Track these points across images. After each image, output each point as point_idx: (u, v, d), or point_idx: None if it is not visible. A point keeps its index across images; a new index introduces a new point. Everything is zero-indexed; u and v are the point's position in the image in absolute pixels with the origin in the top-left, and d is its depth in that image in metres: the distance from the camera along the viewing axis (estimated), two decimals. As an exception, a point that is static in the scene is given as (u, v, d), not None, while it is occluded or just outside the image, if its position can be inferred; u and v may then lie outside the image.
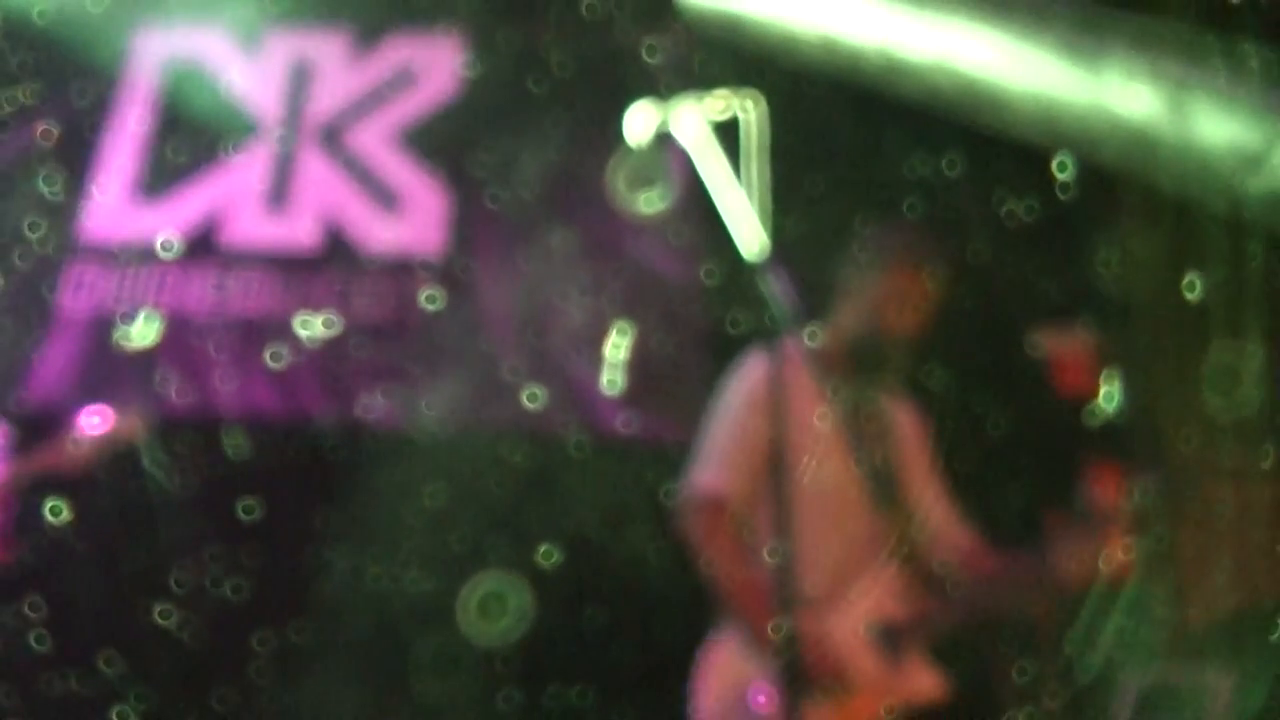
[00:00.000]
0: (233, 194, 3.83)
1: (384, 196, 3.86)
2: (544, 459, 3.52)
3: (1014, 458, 3.50)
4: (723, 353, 3.51)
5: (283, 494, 3.43)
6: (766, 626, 2.12)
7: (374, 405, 3.58)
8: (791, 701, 1.47)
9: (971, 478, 3.38)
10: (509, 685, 3.27)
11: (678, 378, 3.62)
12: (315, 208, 3.83)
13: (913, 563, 2.39)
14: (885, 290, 2.44)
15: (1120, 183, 3.67)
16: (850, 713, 2.14)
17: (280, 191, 3.84)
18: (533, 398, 3.61)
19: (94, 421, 2.93)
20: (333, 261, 3.76)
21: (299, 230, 3.79)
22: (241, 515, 3.38)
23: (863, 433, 2.38)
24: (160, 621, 3.28)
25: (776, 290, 1.74)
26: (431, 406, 3.57)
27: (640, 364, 3.65)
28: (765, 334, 1.72)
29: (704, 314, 3.71)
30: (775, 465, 1.66)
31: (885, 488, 2.36)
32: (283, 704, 3.23)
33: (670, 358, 3.68)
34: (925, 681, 2.23)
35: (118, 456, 3.16)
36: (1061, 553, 2.26)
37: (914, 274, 2.44)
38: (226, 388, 3.58)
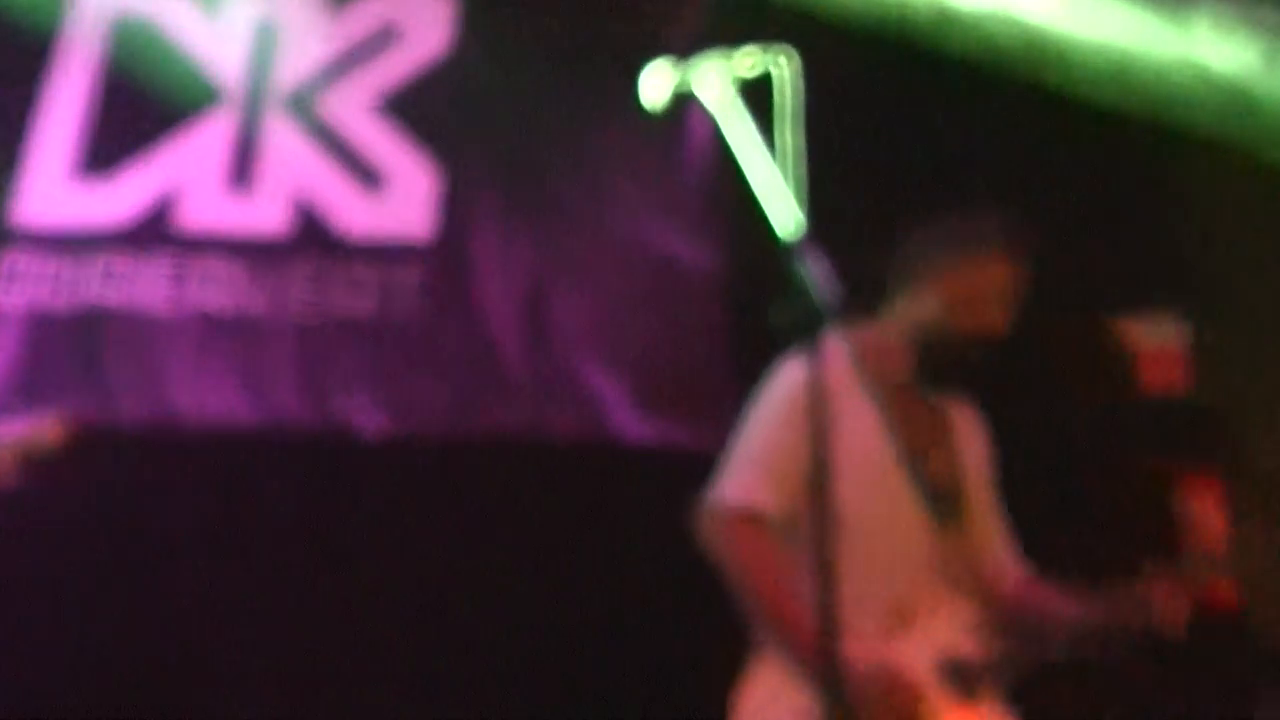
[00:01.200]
0: (190, 171, 3.81)
1: (364, 173, 3.84)
2: (550, 469, 3.50)
3: (1093, 470, 3.46)
4: (754, 352, 3.51)
5: (253, 511, 3.43)
6: (813, 652, 2.10)
7: (355, 408, 3.55)
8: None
9: (1043, 496, 3.36)
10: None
11: (703, 380, 3.60)
12: (285, 186, 3.81)
13: (977, 595, 2.36)
14: (960, 282, 2.40)
15: (1212, 149, 3.61)
16: None
17: (244, 168, 3.83)
18: (535, 401, 3.59)
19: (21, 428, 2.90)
20: (306, 248, 3.74)
21: (266, 212, 3.77)
22: (207, 534, 3.38)
23: (921, 445, 2.35)
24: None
25: (817, 278, 1.70)
26: (421, 412, 3.56)
27: (658, 364, 3.63)
28: (804, 330, 1.67)
29: (732, 306, 3.68)
30: (818, 479, 1.62)
31: (945, 508, 2.33)
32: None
33: (694, 357, 3.66)
34: None
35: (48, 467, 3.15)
36: (1153, 588, 2.23)
37: (995, 263, 2.40)
38: (185, 392, 3.57)
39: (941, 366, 2.42)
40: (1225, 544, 2.33)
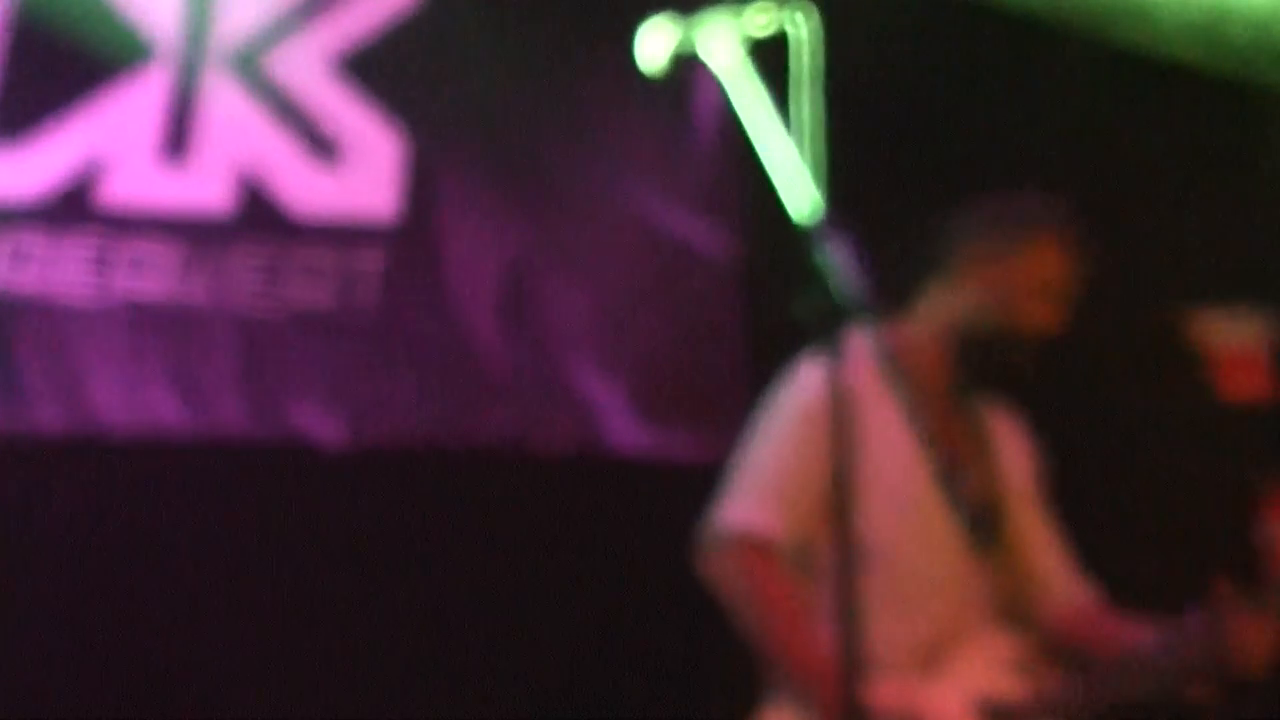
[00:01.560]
0: (116, 138, 3.85)
1: (319, 143, 3.89)
2: (536, 485, 3.57)
3: (1161, 487, 3.51)
4: (767, 350, 3.56)
5: (189, 537, 3.48)
6: (832, 697, 2.16)
7: (310, 417, 3.61)
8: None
9: (1103, 517, 3.42)
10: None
11: (712, 384, 3.66)
12: (227, 157, 3.85)
13: (1025, 626, 2.41)
14: (1013, 271, 2.44)
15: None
16: None
17: (180, 135, 3.88)
18: (517, 407, 3.64)
19: None
20: (251, 227, 3.79)
21: (206, 186, 3.82)
22: (134, 563, 3.43)
23: (958, 458, 2.40)
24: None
25: (840, 268, 1.76)
26: (386, 421, 3.62)
27: (661, 365, 3.67)
28: (824, 326, 1.74)
29: (742, 299, 3.74)
30: (839, 498, 1.68)
31: (985, 530, 2.38)
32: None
33: (702, 357, 3.71)
34: None
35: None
36: (1230, 619, 2.27)
37: (1045, 250, 2.45)
38: (109, 397, 3.62)
39: (983, 369, 2.46)
40: None
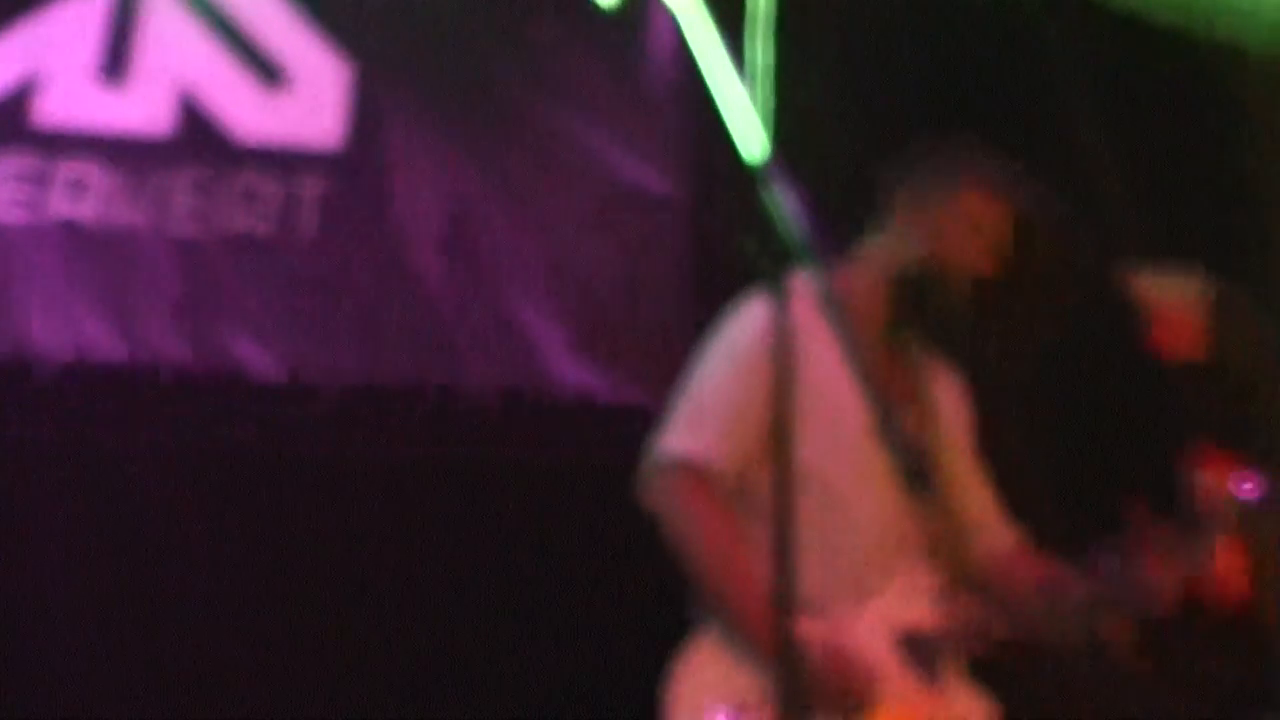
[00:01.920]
0: (52, 56, 3.80)
1: (262, 66, 3.86)
2: (476, 424, 3.60)
3: (1092, 438, 3.61)
4: (711, 293, 3.60)
5: (119, 470, 3.48)
6: (764, 628, 2.23)
7: (247, 348, 3.61)
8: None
9: (1035, 468, 3.51)
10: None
11: (659, 325, 3.69)
12: (167, 78, 3.81)
13: (950, 564, 2.49)
14: (945, 216, 2.51)
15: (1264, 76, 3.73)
16: None
17: (119, 54, 3.83)
18: (459, 344, 3.67)
19: None
20: (191, 152, 3.75)
21: (145, 108, 3.78)
22: (64, 495, 3.42)
23: (895, 402, 2.47)
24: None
25: (785, 207, 1.79)
26: (325, 354, 3.62)
27: (607, 305, 3.69)
28: (770, 267, 1.78)
29: (688, 241, 3.77)
30: (778, 434, 1.73)
31: (918, 472, 2.45)
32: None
33: (649, 298, 3.74)
34: (966, 707, 2.33)
35: None
36: (1149, 562, 2.36)
37: (988, 200, 2.51)
38: (41, 321, 3.58)
39: (917, 311, 2.52)
40: (1226, 517, 2.46)
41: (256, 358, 3.60)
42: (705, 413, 2.40)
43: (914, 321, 2.55)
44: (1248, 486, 2.46)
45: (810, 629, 2.19)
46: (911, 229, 2.52)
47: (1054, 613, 2.38)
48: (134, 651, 3.35)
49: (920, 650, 2.32)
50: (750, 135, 1.84)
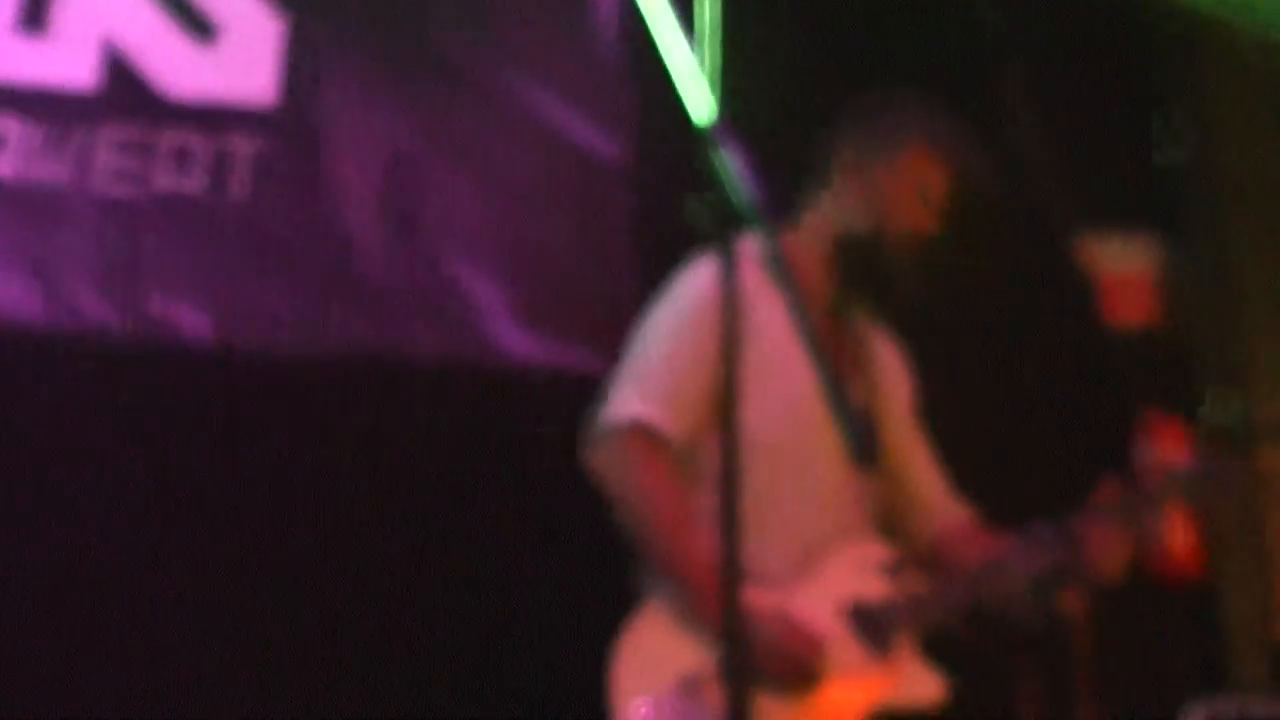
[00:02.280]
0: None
1: (192, 19, 3.78)
2: (414, 394, 3.56)
3: (1044, 409, 3.65)
4: (659, 254, 3.59)
5: (39, 440, 3.41)
6: (711, 596, 2.23)
7: (175, 311, 3.54)
8: (742, 694, 1.56)
9: (983, 437, 3.54)
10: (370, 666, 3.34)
11: (604, 291, 3.66)
12: (92, 30, 3.72)
13: (897, 536, 2.51)
14: (888, 179, 2.51)
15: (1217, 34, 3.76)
16: (819, 711, 2.25)
17: (39, 4, 3.73)
18: (397, 309, 3.62)
19: None
20: (116, 107, 3.67)
21: (67, 61, 3.68)
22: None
23: (842, 370, 2.47)
24: None
25: (733, 170, 1.78)
26: (258, 319, 3.57)
27: (551, 269, 3.68)
28: (716, 229, 1.76)
29: (634, 204, 3.75)
30: (724, 399, 1.72)
31: (864, 441, 2.46)
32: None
33: (588, 262, 3.71)
34: (916, 679, 2.35)
35: None
36: (1087, 528, 2.39)
37: (930, 160, 2.52)
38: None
39: (858, 274, 2.53)
40: (1184, 479, 2.50)
41: (187, 321, 3.53)
42: (652, 377, 2.39)
43: (857, 287, 2.55)
44: (1193, 456, 2.50)
45: (758, 599, 2.19)
46: (853, 191, 2.52)
47: (1002, 585, 2.40)
48: (54, 623, 3.28)
49: (869, 623, 2.33)
50: (697, 97, 1.82)
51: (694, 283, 2.49)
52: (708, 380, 2.38)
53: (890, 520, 2.53)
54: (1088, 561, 2.36)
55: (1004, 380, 3.69)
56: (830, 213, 2.55)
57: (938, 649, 2.39)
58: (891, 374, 2.65)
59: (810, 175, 2.62)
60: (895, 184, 2.51)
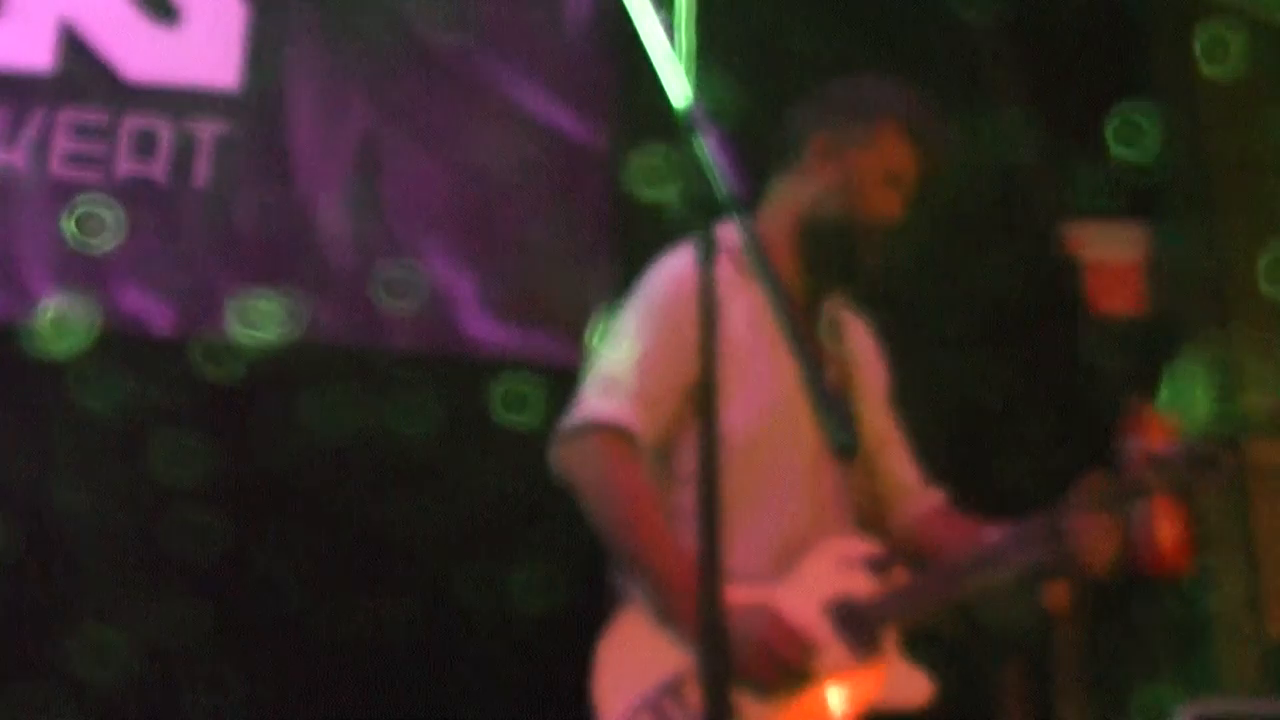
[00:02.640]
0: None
1: (154, 2, 3.74)
2: (382, 383, 3.52)
3: (1026, 395, 3.64)
4: (632, 241, 3.57)
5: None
6: (688, 596, 2.19)
7: (137, 300, 3.51)
8: (723, 697, 1.53)
9: (968, 423, 3.53)
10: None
11: (577, 278, 3.63)
12: (50, 10, 3.69)
13: (877, 529, 2.49)
14: (859, 164, 2.49)
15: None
16: (805, 712, 2.23)
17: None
18: (365, 297, 3.58)
19: None
20: (76, 89, 3.63)
21: (24, 41, 3.65)
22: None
23: (818, 358, 2.45)
24: None
25: (710, 155, 1.74)
26: (224, 306, 3.52)
27: (523, 256, 3.66)
28: (693, 217, 1.72)
29: (607, 187, 3.71)
30: (704, 396, 1.67)
31: (844, 433, 2.42)
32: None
33: (567, 248, 3.68)
34: (903, 679, 2.33)
35: None
36: (1074, 519, 2.37)
37: (901, 140, 2.50)
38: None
39: (829, 260, 2.50)
40: (1171, 471, 2.49)
41: (146, 309, 3.50)
42: (623, 376, 2.36)
43: (826, 271, 2.53)
44: (1178, 446, 2.48)
45: (742, 597, 2.16)
46: (822, 175, 2.50)
47: (986, 574, 2.38)
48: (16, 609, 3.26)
49: (855, 621, 2.30)
50: (674, 83, 1.78)
51: (664, 275, 2.46)
52: (679, 377, 2.35)
53: (868, 507, 2.51)
54: (1076, 555, 2.34)
55: (991, 366, 3.69)
56: (798, 196, 2.51)
57: (922, 647, 2.37)
58: (866, 359, 2.63)
59: (774, 158, 2.59)
60: (867, 170, 2.48)
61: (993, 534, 2.44)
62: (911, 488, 2.62)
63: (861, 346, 2.63)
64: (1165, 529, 3.46)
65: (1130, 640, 3.52)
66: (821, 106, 2.56)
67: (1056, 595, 2.80)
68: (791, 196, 2.50)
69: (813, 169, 2.50)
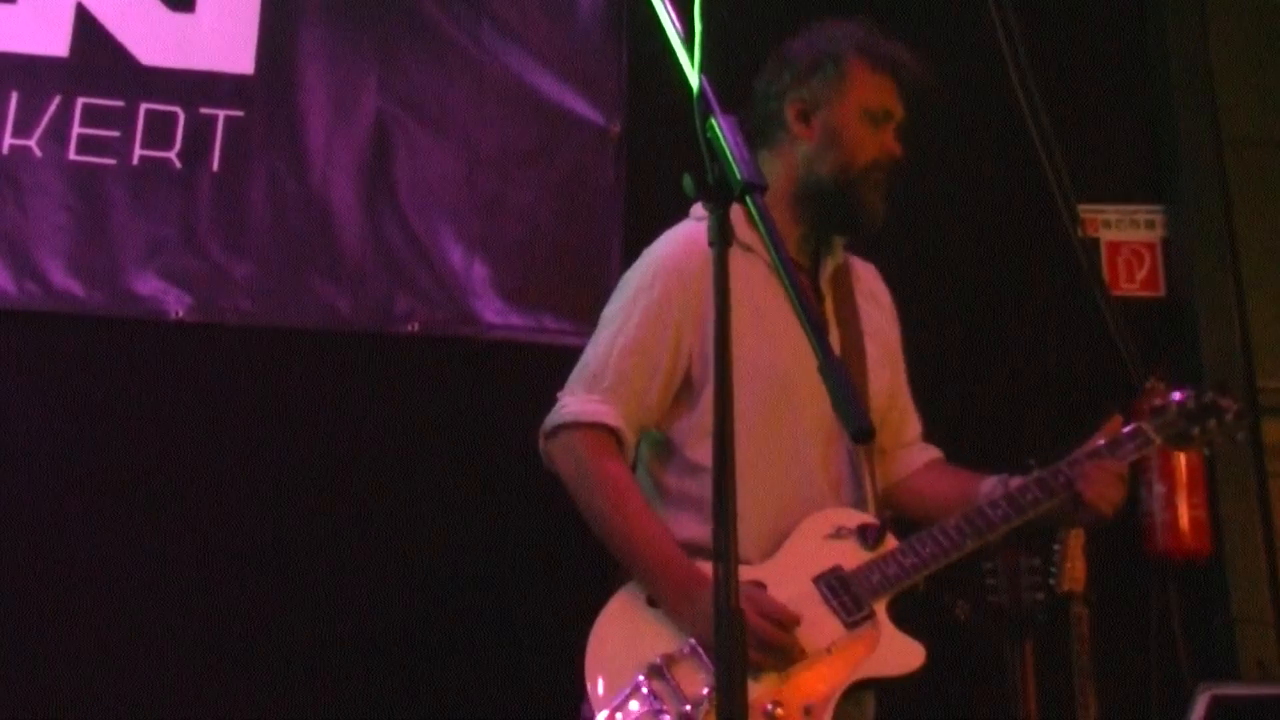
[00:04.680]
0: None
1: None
2: (395, 366, 3.55)
3: (1043, 372, 3.65)
4: (644, 223, 3.58)
5: (17, 410, 3.41)
6: (677, 581, 2.23)
7: (151, 285, 3.52)
8: (720, 674, 1.57)
9: (989, 391, 3.54)
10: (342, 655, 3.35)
11: (590, 262, 3.65)
12: (65, -5, 3.68)
13: (873, 496, 2.51)
14: (837, 114, 2.51)
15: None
16: (797, 686, 2.25)
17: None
18: (377, 280, 3.60)
19: None
20: (90, 74, 3.64)
21: (39, 25, 3.66)
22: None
23: (818, 310, 2.47)
24: None
25: (722, 136, 1.77)
26: (236, 292, 3.54)
27: (535, 239, 3.67)
28: (707, 197, 1.75)
29: (620, 170, 3.72)
30: (719, 380, 1.70)
31: (859, 419, 2.45)
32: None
33: (580, 232, 3.69)
34: (895, 647, 2.35)
35: None
36: (1093, 468, 2.41)
37: (866, 76, 2.51)
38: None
39: (837, 214, 2.51)
40: (1159, 423, 2.54)
41: (161, 295, 3.52)
42: (604, 369, 2.40)
43: (833, 228, 2.55)
44: (1179, 394, 2.54)
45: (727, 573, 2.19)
46: (806, 139, 2.51)
47: (981, 538, 2.42)
48: (33, 600, 3.29)
49: (846, 592, 2.34)
50: (687, 63, 1.81)
51: (645, 263, 2.50)
52: (660, 366, 2.38)
53: (865, 470, 2.52)
54: (1086, 500, 2.39)
55: (1012, 339, 3.71)
56: (788, 166, 2.53)
57: (935, 628, 2.40)
58: (877, 305, 2.65)
59: (755, 137, 2.58)
60: (845, 116, 2.50)
61: (987, 485, 2.48)
62: (911, 443, 2.69)
63: (871, 293, 2.66)
64: (1184, 512, 3.49)
65: (1148, 622, 3.54)
66: (784, 72, 2.57)
67: (1074, 576, 2.83)
68: (783, 167, 2.52)
69: (795, 136, 2.52)
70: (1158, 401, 2.58)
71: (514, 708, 3.27)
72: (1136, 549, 3.56)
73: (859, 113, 2.51)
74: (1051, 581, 2.79)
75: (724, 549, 1.61)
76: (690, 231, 2.48)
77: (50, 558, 3.32)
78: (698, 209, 2.52)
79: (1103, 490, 2.40)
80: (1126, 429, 2.52)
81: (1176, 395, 2.56)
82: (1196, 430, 2.57)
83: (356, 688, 3.31)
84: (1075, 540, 2.92)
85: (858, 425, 1.58)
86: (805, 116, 2.52)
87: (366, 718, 3.32)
